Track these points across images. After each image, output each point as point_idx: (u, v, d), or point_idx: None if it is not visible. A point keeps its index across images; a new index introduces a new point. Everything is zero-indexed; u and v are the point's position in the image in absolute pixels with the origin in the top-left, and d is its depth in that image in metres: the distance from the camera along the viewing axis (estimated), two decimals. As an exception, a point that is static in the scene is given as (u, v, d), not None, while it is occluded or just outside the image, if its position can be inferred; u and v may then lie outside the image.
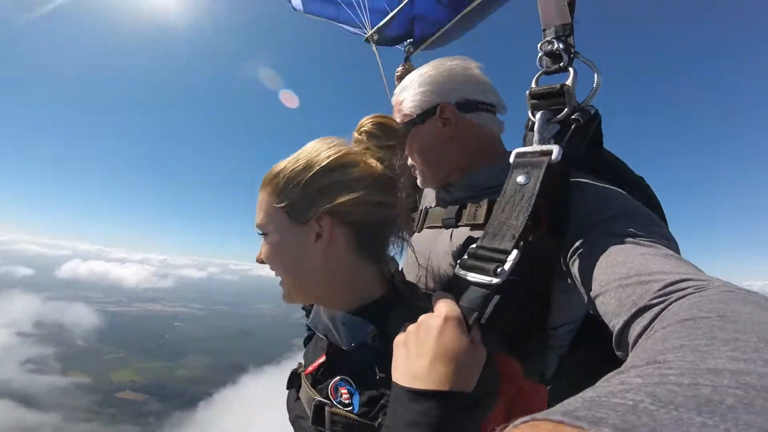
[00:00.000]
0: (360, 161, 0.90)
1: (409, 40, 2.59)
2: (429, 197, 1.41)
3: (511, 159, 0.92)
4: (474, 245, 0.87)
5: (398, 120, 1.25)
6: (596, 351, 1.09)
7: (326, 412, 0.85)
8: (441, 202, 1.27)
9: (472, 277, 0.81)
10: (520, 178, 0.86)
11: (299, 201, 0.88)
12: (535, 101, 0.99)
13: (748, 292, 0.58)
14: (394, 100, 1.31)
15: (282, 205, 0.89)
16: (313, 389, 0.92)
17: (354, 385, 0.84)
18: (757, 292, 0.57)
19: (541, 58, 1.01)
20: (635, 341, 0.63)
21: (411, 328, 0.76)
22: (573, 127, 0.92)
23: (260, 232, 0.94)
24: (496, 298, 0.77)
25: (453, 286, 0.88)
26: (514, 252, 0.79)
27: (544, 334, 1.04)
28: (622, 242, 0.78)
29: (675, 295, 0.62)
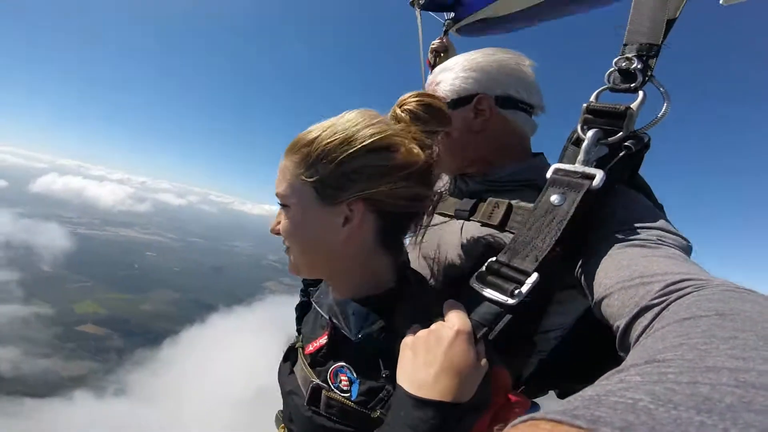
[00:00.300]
0: (402, 145, 0.85)
1: (451, 14, 2.42)
2: (444, 180, 1.40)
3: (549, 174, 0.90)
4: (494, 259, 0.87)
5: None
6: (574, 357, 1.17)
7: (323, 396, 0.85)
8: (457, 191, 1.26)
9: (488, 293, 0.82)
10: (555, 198, 0.85)
11: (332, 179, 0.83)
12: (590, 117, 0.92)
13: (747, 290, 0.58)
14: (430, 79, 1.27)
15: (312, 179, 0.84)
16: (311, 370, 0.93)
17: (354, 374, 0.85)
18: (756, 291, 0.58)
19: (611, 73, 0.94)
20: (636, 341, 0.63)
21: (421, 333, 0.77)
22: (622, 153, 0.87)
23: (280, 203, 0.90)
24: (508, 317, 0.78)
25: (457, 279, 0.92)
26: (534, 275, 0.79)
27: (532, 340, 1.06)
28: (629, 246, 0.80)
29: (675, 295, 0.62)
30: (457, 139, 1.18)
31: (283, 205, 0.89)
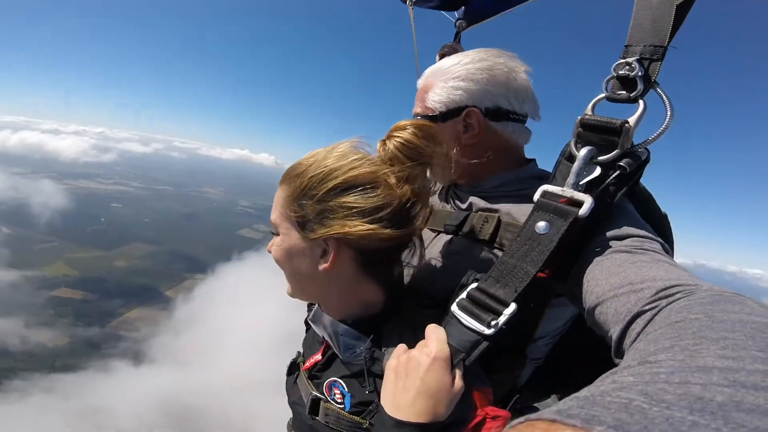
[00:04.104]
0: (382, 182, 0.91)
1: (461, 10, 2.25)
2: (438, 192, 1.40)
3: (536, 196, 0.88)
4: (475, 286, 0.88)
5: (419, 109, 1.23)
6: (570, 363, 1.19)
7: (321, 406, 0.96)
8: (452, 201, 1.27)
9: (466, 321, 0.83)
10: (541, 225, 0.83)
11: (312, 216, 0.91)
12: (583, 131, 0.88)
13: (735, 294, 0.60)
14: (422, 82, 1.24)
15: (296, 214, 0.93)
16: (310, 383, 1.03)
17: (346, 388, 0.94)
18: (743, 294, 0.59)
19: (610, 79, 0.88)
20: (630, 346, 0.63)
21: (403, 357, 0.83)
22: (615, 174, 0.84)
23: (272, 230, 0.99)
24: (485, 344, 0.80)
25: (446, 295, 0.96)
26: (512, 306, 0.80)
27: (523, 353, 1.07)
28: (615, 253, 0.81)
29: (665, 301, 0.63)
30: (447, 152, 1.17)
31: (275, 233, 0.99)
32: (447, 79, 1.15)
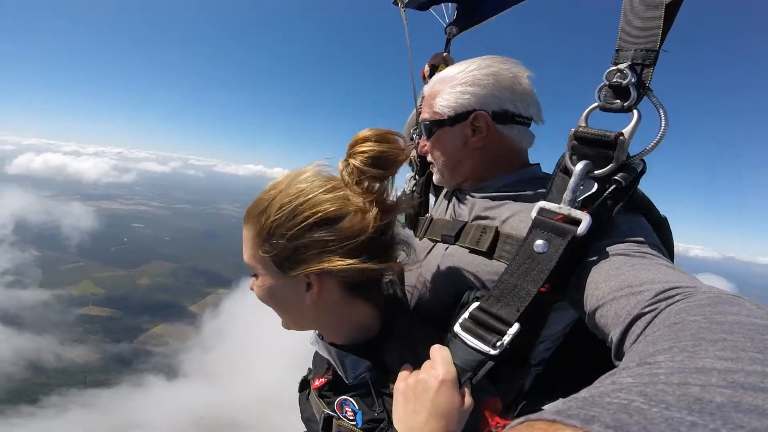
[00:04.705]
0: (351, 209, 0.89)
1: (452, 14, 2.22)
2: (439, 200, 1.42)
3: (533, 214, 0.88)
4: (477, 305, 0.89)
5: (426, 115, 1.24)
6: (572, 367, 1.19)
7: (334, 424, 0.98)
8: (454, 204, 1.28)
9: (471, 342, 0.84)
10: (539, 244, 0.83)
11: (286, 254, 0.89)
12: (577, 144, 0.86)
13: (734, 296, 0.60)
14: (428, 89, 1.26)
15: (269, 255, 0.90)
16: (321, 401, 1.05)
17: (357, 406, 0.96)
18: (742, 296, 0.59)
19: (602, 88, 0.85)
20: (630, 348, 0.63)
21: (411, 380, 0.84)
22: (611, 189, 0.83)
23: (250, 271, 0.98)
24: (490, 364, 0.82)
25: (443, 306, 0.97)
26: (516, 326, 0.81)
27: (527, 362, 1.07)
28: (614, 256, 0.81)
29: (665, 303, 0.64)
30: (454, 155, 1.21)
31: (253, 274, 0.98)
32: (455, 84, 1.17)
